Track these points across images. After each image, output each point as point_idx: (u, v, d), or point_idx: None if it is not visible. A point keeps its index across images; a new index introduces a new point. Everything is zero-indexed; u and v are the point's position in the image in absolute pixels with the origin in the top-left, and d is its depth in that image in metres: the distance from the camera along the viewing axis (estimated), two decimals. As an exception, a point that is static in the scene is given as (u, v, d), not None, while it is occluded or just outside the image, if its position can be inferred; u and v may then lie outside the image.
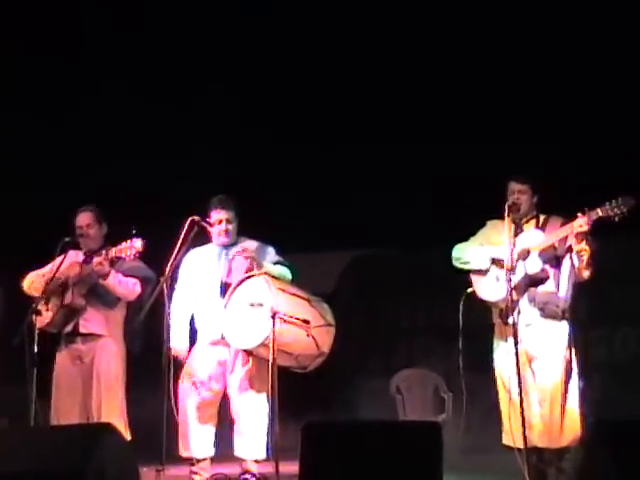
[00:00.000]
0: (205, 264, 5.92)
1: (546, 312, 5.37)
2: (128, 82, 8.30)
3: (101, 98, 8.26)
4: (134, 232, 5.51)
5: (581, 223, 5.13)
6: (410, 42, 8.05)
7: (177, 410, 5.66)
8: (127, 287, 5.78)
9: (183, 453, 5.77)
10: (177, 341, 5.78)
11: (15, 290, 6.01)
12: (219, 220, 5.86)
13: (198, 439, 5.74)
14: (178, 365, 5.74)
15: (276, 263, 5.82)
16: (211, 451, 5.78)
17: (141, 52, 8.30)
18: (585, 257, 5.22)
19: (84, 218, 5.92)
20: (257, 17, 8.26)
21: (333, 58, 8.22)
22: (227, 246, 5.92)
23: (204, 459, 5.76)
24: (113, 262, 5.69)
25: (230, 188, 6.03)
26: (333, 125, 8.31)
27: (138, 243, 5.50)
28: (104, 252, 5.67)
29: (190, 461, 5.77)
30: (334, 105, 8.29)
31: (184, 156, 8.23)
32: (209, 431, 5.78)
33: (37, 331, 5.55)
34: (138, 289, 5.80)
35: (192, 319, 5.97)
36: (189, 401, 5.74)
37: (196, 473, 5.74)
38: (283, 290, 5.54)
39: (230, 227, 5.89)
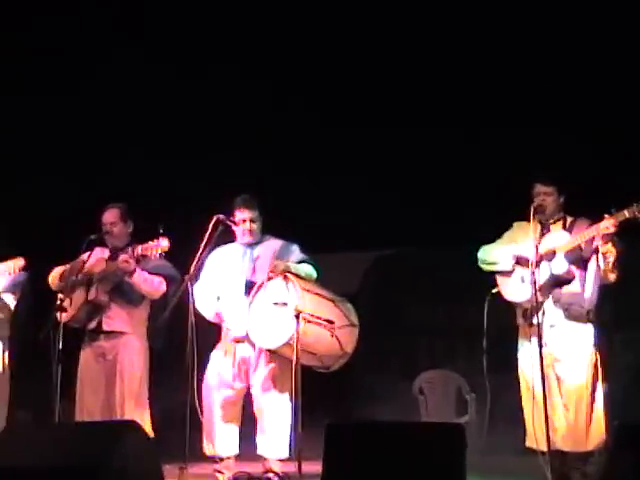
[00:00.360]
0: (229, 263, 5.93)
1: (571, 313, 5.35)
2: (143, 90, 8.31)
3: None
4: (161, 231, 5.53)
5: (607, 225, 5.11)
6: (412, 42, 7.97)
7: (201, 408, 5.67)
8: (152, 285, 5.81)
9: (208, 452, 5.78)
10: (204, 310, 5.83)
11: (40, 286, 6.04)
12: (243, 219, 5.88)
13: (223, 438, 5.75)
14: (201, 363, 5.75)
15: (301, 261, 5.83)
16: (235, 449, 5.79)
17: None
18: (611, 259, 5.19)
19: (109, 216, 5.95)
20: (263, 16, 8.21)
21: (341, 56, 8.14)
22: (251, 245, 5.94)
23: (228, 457, 5.78)
24: (139, 260, 5.72)
25: (251, 187, 6.04)
26: (354, 127, 8.26)
27: (164, 242, 5.53)
28: (130, 249, 5.71)
29: (214, 459, 5.79)
30: (354, 105, 8.24)
31: (206, 155, 8.23)
32: (233, 430, 5.79)
33: (62, 328, 5.58)
34: (163, 287, 5.82)
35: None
36: (213, 400, 5.76)
37: (220, 471, 5.75)
38: (308, 290, 5.53)
39: (254, 226, 5.91)
